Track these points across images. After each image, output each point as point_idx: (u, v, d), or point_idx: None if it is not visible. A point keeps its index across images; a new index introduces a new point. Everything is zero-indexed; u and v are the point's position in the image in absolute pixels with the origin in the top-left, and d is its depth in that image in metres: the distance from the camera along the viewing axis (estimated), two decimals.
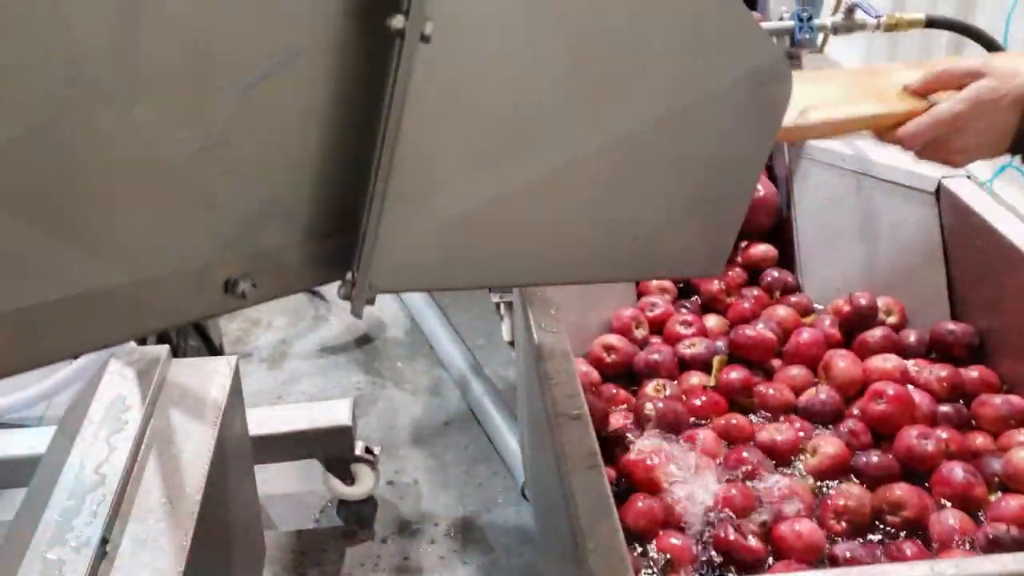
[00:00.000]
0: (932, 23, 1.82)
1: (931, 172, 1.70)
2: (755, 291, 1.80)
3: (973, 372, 1.53)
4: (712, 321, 1.76)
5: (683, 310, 1.79)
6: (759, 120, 0.96)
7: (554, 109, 0.82)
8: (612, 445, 1.39)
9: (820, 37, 1.79)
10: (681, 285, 1.85)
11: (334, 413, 2.03)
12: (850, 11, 1.81)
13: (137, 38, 0.59)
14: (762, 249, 1.88)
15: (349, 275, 0.75)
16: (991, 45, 1.87)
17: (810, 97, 1.22)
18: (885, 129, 1.14)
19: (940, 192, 1.70)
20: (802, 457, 1.43)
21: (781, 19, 1.85)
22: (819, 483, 1.39)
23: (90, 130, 0.59)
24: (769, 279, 1.83)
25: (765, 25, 1.85)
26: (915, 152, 1.11)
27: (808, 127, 1.19)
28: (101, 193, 0.61)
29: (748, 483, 1.35)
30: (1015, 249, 1.50)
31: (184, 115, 0.64)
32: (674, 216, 0.97)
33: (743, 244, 1.89)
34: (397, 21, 0.69)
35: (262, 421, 1.92)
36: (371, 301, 0.77)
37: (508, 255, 0.88)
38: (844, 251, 1.82)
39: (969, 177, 1.68)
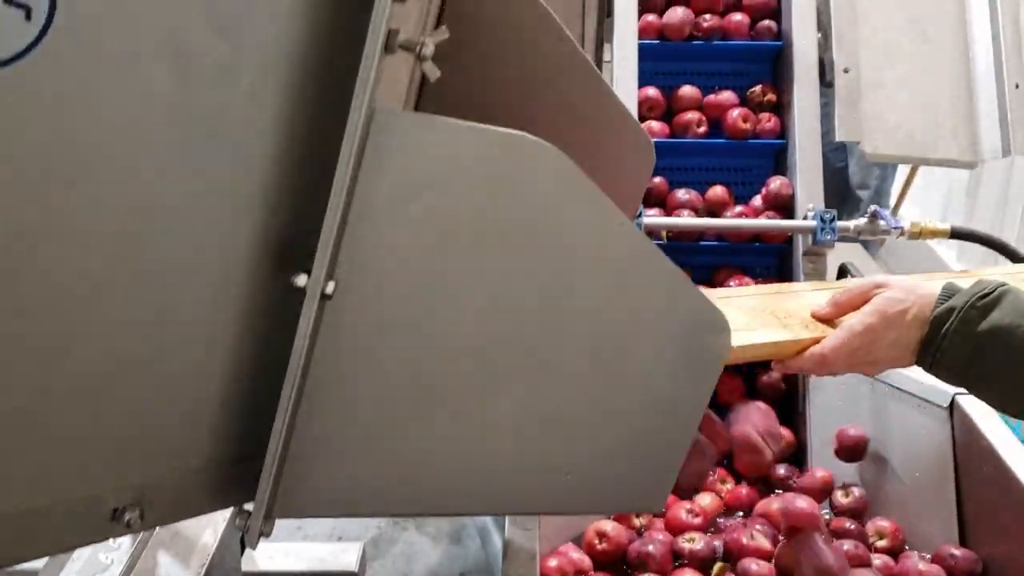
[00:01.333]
0: (957, 234, 1.82)
1: (945, 386, 1.66)
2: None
3: None
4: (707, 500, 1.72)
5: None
6: (696, 369, 0.98)
7: (471, 364, 0.86)
8: None
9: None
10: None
11: (342, 558, 2.04)
12: (874, 216, 1.82)
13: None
14: None
15: (248, 505, 0.80)
16: (1015, 257, 1.84)
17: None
18: (789, 356, 1.09)
19: (954, 408, 1.65)
20: None
21: (805, 218, 1.87)
22: None
23: None
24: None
25: (788, 224, 1.88)
26: (822, 374, 1.10)
27: None
28: None
29: None
30: (1017, 481, 1.45)
31: (75, 342, 0.71)
32: (608, 457, 0.98)
33: None
34: (300, 280, 0.75)
35: (262, 557, 1.95)
36: (266, 533, 0.80)
37: (424, 486, 0.91)
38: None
39: None
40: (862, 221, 1.84)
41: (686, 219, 1.92)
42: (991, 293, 0.96)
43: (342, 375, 0.82)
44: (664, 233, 2.01)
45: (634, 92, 2.03)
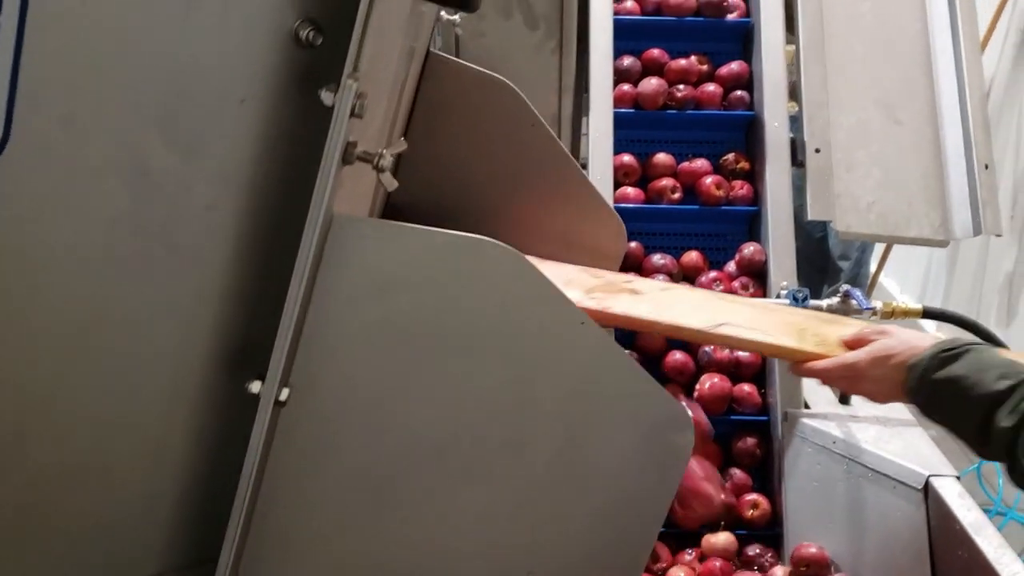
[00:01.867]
0: (929, 314, 1.83)
1: (920, 468, 1.65)
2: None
3: None
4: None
5: None
6: (660, 465, 0.98)
7: (431, 464, 0.86)
8: None
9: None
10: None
11: None
12: (846, 296, 1.83)
13: None
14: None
15: None
16: (988, 337, 1.86)
17: (731, 315, 1.36)
18: (795, 361, 1.34)
19: (928, 490, 1.64)
20: None
21: (778, 296, 1.88)
22: None
23: None
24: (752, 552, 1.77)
25: (760, 301, 1.89)
26: (825, 383, 1.36)
27: (717, 336, 1.34)
28: None
29: None
30: (991, 569, 1.43)
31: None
32: (572, 554, 0.98)
33: None
34: (254, 386, 0.75)
35: None
36: None
37: None
38: (832, 535, 1.76)
39: (959, 478, 1.63)
40: (835, 300, 1.85)
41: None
42: (954, 349, 1.13)
43: (298, 477, 0.81)
44: None
45: (610, 159, 2.06)
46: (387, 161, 0.76)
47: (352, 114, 0.72)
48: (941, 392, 1.12)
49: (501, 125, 1.48)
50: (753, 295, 1.99)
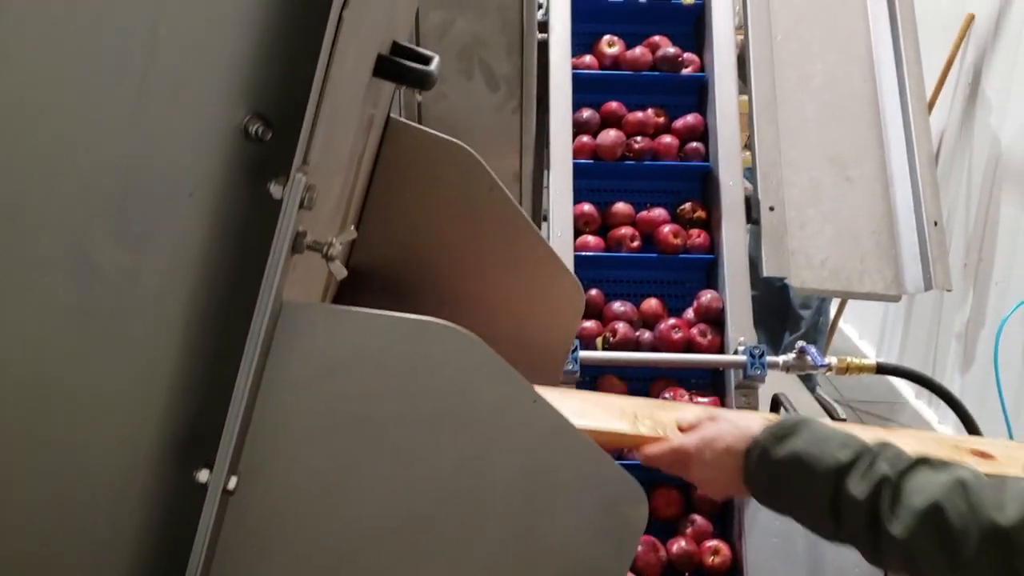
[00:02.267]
0: (883, 370, 1.86)
1: None
2: None
3: None
4: None
5: None
6: (615, 540, 0.98)
7: (384, 544, 0.86)
8: None
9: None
10: None
11: None
12: (801, 352, 1.86)
13: None
14: None
15: None
16: (940, 391, 1.89)
17: (577, 409, 1.32)
18: (631, 447, 1.32)
19: None
20: None
21: (736, 352, 1.91)
22: None
23: None
24: None
25: (719, 359, 1.92)
26: (663, 470, 1.26)
27: None
28: None
29: None
30: None
31: None
32: None
33: None
34: (202, 475, 0.75)
35: None
36: None
37: None
38: None
39: None
40: (791, 357, 1.89)
41: (622, 354, 1.96)
42: (790, 425, 1.06)
43: (248, 565, 0.81)
44: (599, 343, 2.05)
45: (570, 209, 2.10)
46: (336, 250, 0.77)
47: (301, 206, 0.72)
48: (782, 472, 1.04)
49: (460, 189, 1.50)
50: (711, 342, 2.03)
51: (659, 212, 2.18)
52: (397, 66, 1.10)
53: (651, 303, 2.10)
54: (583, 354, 1.92)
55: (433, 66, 1.18)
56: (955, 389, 3.44)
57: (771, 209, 2.04)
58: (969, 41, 3.48)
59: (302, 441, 0.82)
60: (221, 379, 0.77)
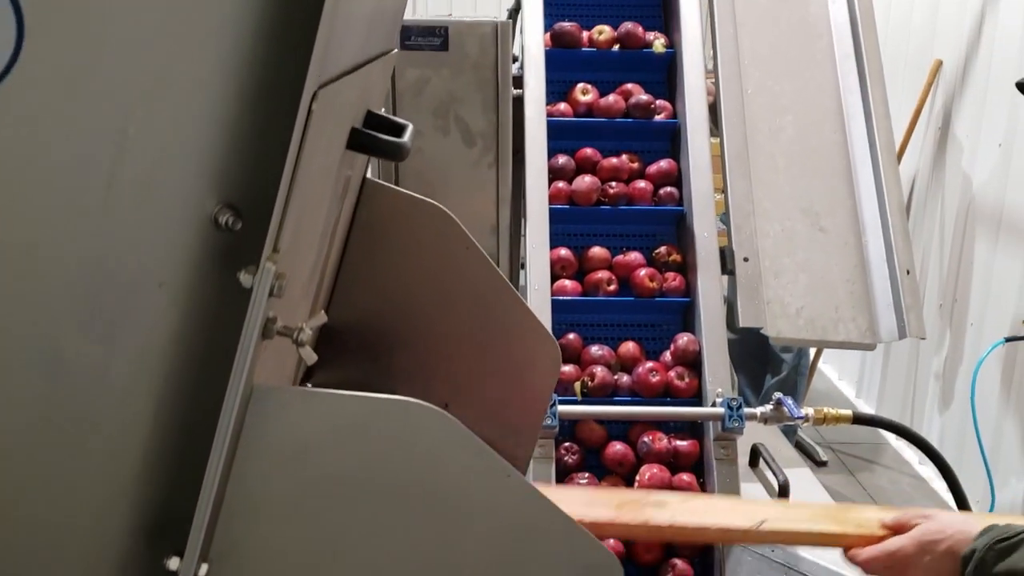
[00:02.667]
0: (859, 420, 1.88)
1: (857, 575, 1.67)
2: None
3: None
4: None
5: None
6: None
7: None
8: None
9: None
10: None
11: None
12: (779, 404, 1.88)
13: None
14: None
15: None
16: (919, 442, 1.91)
17: (766, 513, 1.33)
18: (843, 547, 1.27)
19: None
20: None
21: (713, 404, 1.92)
22: None
23: None
24: None
25: (697, 411, 1.93)
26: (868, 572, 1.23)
27: (764, 533, 1.31)
28: None
29: None
30: None
31: None
32: None
33: None
34: (172, 563, 0.75)
35: None
36: None
37: None
38: None
39: None
40: (768, 408, 1.90)
41: (601, 407, 1.96)
42: (1011, 538, 1.04)
43: None
44: (577, 387, 2.05)
45: (547, 254, 2.12)
46: (307, 335, 0.78)
47: (271, 294, 0.73)
48: None
49: (436, 248, 1.51)
50: (689, 384, 2.04)
51: (635, 256, 2.20)
52: (370, 139, 1.11)
53: (629, 346, 2.11)
54: (562, 408, 1.92)
55: (406, 137, 1.20)
56: (934, 429, 3.48)
57: (745, 260, 2.06)
58: (938, 86, 3.55)
59: (274, 523, 0.82)
60: (192, 465, 0.76)
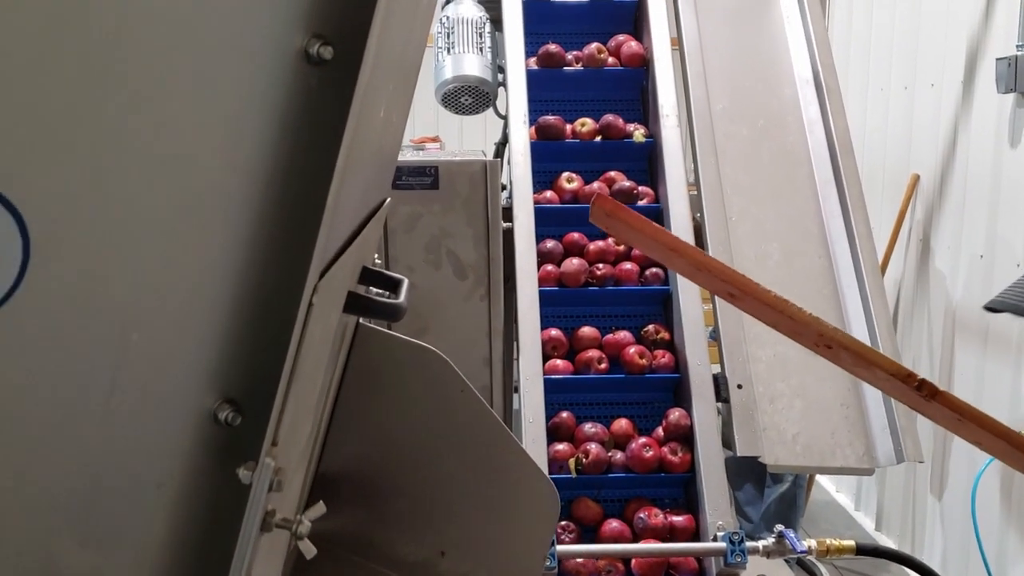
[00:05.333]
0: (863, 551, 1.85)
1: None
2: None
3: None
4: None
5: None
6: None
7: None
8: None
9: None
10: None
11: None
12: (780, 537, 1.85)
13: None
14: None
15: None
16: (922, 569, 1.87)
17: None
18: None
19: None
20: None
21: (714, 539, 1.89)
22: None
23: None
24: None
25: (698, 547, 1.89)
26: None
27: None
28: None
29: None
30: None
31: None
32: None
33: None
34: None
35: None
36: None
37: None
38: None
39: None
40: (770, 541, 1.87)
41: (601, 547, 1.93)
42: None
43: None
44: (572, 465, 2.06)
45: (538, 335, 2.13)
46: (305, 527, 0.77)
47: (270, 489, 0.72)
48: None
49: (431, 393, 1.50)
50: (682, 459, 2.07)
51: (624, 334, 2.24)
52: (368, 303, 1.12)
53: (621, 423, 2.15)
54: (560, 548, 1.89)
55: (402, 297, 1.21)
56: (936, 549, 3.42)
57: (739, 387, 2.06)
58: (917, 198, 3.63)
59: None
60: None
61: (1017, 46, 2.88)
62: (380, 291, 1.38)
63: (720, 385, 2.08)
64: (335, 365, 1.29)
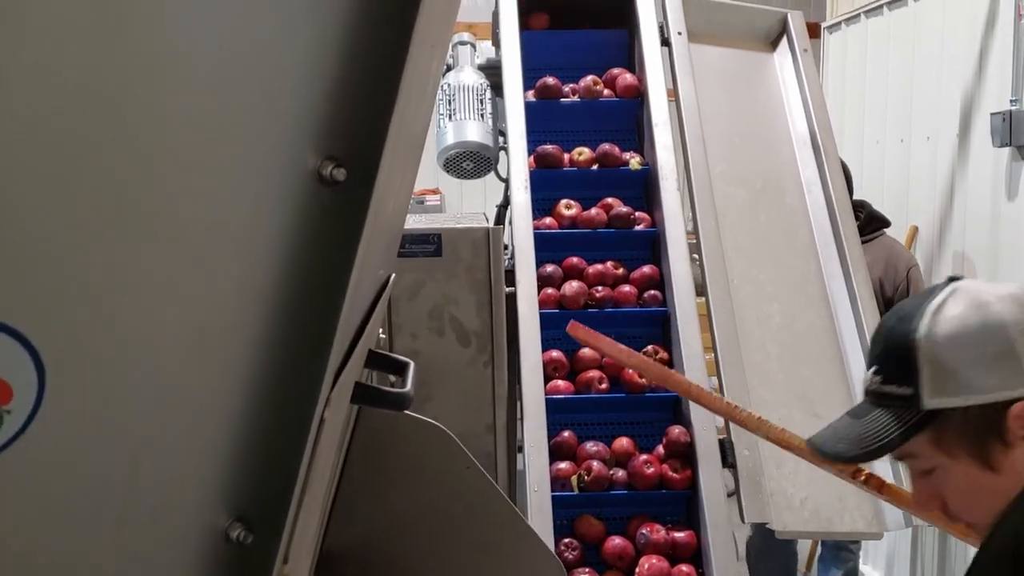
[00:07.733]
0: None
1: None
2: None
3: None
4: None
5: None
6: None
7: None
8: None
9: None
10: None
11: None
12: None
13: None
14: None
15: None
16: None
17: None
18: None
19: None
20: None
21: None
22: None
23: None
24: None
25: None
26: None
27: None
28: None
29: None
30: None
31: None
32: None
33: None
34: None
35: None
36: None
37: None
38: None
39: None
40: None
41: None
42: None
43: None
44: (574, 482, 2.07)
45: (539, 357, 2.14)
46: None
47: None
48: None
49: (435, 470, 1.50)
50: (683, 476, 2.07)
51: None
52: (376, 393, 1.12)
53: (622, 442, 2.16)
54: None
55: (409, 385, 1.21)
56: None
57: (746, 452, 2.05)
58: (916, 249, 3.64)
59: None
60: None
61: (1011, 100, 2.91)
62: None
63: (726, 451, 2.07)
64: (341, 450, 1.28)
